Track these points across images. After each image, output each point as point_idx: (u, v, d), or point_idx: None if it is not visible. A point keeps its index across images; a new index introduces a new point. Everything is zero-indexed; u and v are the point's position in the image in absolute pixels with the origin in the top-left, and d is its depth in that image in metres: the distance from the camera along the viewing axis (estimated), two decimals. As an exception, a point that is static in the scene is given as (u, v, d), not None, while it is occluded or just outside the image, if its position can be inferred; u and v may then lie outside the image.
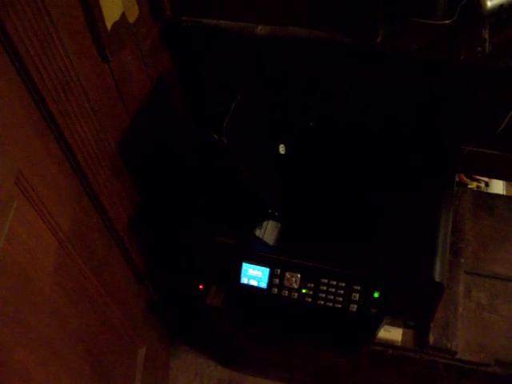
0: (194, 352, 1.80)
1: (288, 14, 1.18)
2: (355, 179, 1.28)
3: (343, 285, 1.17)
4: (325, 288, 1.19)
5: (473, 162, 1.35)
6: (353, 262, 1.16)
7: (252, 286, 1.24)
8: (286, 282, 1.21)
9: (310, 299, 1.21)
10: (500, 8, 1.10)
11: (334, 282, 1.18)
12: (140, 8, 1.14)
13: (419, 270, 1.11)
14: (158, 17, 1.23)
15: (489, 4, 1.09)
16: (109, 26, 1.02)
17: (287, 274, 1.21)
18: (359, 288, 1.17)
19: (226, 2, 1.21)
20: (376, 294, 1.16)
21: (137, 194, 1.27)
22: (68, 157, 1.00)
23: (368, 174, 1.28)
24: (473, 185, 1.86)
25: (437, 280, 1.08)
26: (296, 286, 1.21)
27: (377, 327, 1.21)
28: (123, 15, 1.07)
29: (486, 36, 1.10)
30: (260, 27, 1.21)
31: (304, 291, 1.21)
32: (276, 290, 1.22)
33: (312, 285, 1.20)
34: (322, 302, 1.20)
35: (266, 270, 1.22)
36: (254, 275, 1.23)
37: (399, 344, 1.24)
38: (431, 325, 1.22)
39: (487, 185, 1.87)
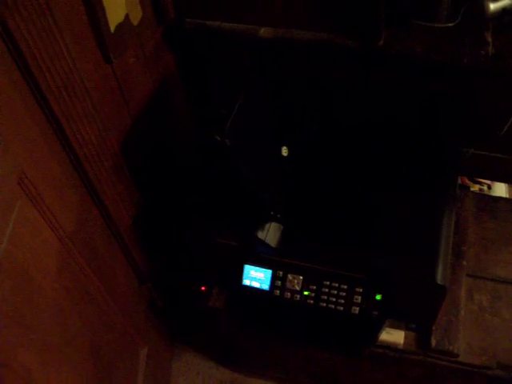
0: (196, 353, 1.80)
1: (291, 16, 1.18)
2: (358, 182, 1.28)
3: (345, 287, 1.17)
4: (327, 290, 1.19)
5: (475, 165, 1.35)
6: (355, 264, 1.16)
7: (254, 288, 1.24)
8: (288, 284, 1.21)
9: (312, 301, 1.21)
10: (503, 11, 1.10)
11: (336, 284, 1.18)
12: (143, 10, 1.15)
13: (421, 273, 1.10)
14: (162, 19, 1.23)
15: (492, 7, 1.09)
16: (112, 27, 1.02)
17: (289, 276, 1.21)
18: (361, 290, 1.17)
19: (228, 4, 1.21)
20: (378, 297, 1.16)
21: (139, 194, 1.27)
22: (70, 157, 1.00)
23: (370, 177, 1.28)
24: (475, 187, 1.85)
25: (439, 283, 1.08)
26: (298, 288, 1.20)
27: (379, 329, 1.21)
28: (127, 17, 1.07)
29: (489, 39, 1.10)
30: (263, 29, 1.21)
31: (306, 293, 1.20)
32: (278, 291, 1.22)
33: (314, 287, 1.19)
34: (324, 304, 1.20)
35: (268, 272, 1.22)
36: (256, 277, 1.23)
37: (401, 346, 1.24)
38: (433, 327, 1.22)
39: (490, 187, 1.87)
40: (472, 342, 1.23)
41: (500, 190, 1.89)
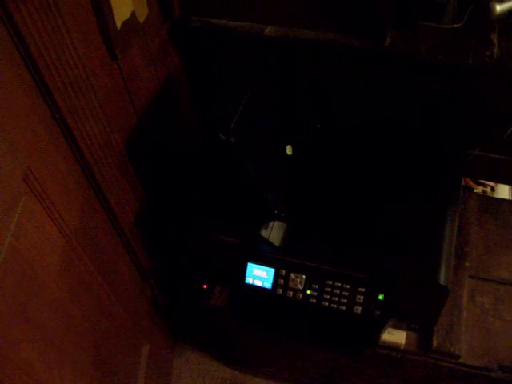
0: (197, 351, 1.80)
1: (296, 15, 1.18)
2: (362, 182, 1.28)
3: (348, 287, 1.17)
4: (329, 289, 1.19)
5: (479, 167, 1.35)
6: (358, 264, 1.16)
7: (257, 287, 1.25)
8: (290, 283, 1.21)
9: (314, 300, 1.21)
10: (509, 13, 1.10)
11: (339, 284, 1.18)
12: (150, 7, 1.15)
13: (424, 273, 1.10)
14: (168, 16, 1.24)
15: (498, 9, 1.09)
16: (118, 24, 1.02)
17: (292, 275, 1.21)
18: (364, 290, 1.17)
19: (235, 3, 1.21)
20: (381, 297, 1.16)
21: (142, 191, 1.27)
22: (76, 154, 1.00)
23: (374, 177, 1.28)
24: (478, 189, 1.85)
25: (441, 283, 1.08)
26: (301, 287, 1.21)
27: (381, 330, 1.21)
28: (133, 14, 1.08)
29: (495, 40, 1.10)
30: (269, 28, 1.21)
31: (309, 292, 1.21)
32: (281, 290, 1.22)
33: (317, 286, 1.20)
34: (327, 304, 1.20)
35: (271, 271, 1.22)
36: (259, 275, 1.23)
37: (403, 347, 1.24)
38: (435, 328, 1.22)
39: (493, 189, 1.87)
40: (474, 343, 1.23)
41: (503, 191, 1.88)
